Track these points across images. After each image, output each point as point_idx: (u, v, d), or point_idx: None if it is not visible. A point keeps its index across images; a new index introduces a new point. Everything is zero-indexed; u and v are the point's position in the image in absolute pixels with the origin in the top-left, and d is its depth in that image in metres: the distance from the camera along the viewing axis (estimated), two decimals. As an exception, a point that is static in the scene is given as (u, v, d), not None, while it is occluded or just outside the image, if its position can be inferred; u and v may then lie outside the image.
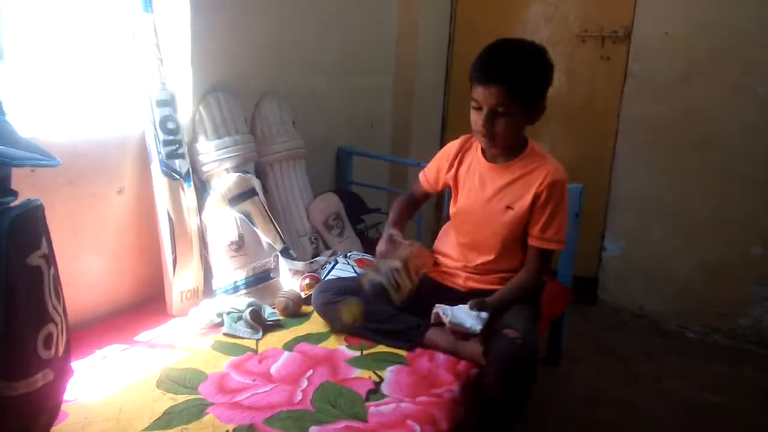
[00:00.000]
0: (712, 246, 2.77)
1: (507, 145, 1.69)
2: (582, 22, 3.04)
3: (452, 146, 1.83)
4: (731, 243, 2.73)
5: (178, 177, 1.85)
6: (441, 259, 1.86)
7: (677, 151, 2.81)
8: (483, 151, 1.76)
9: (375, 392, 1.48)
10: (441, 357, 1.65)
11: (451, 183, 1.82)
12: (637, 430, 2.10)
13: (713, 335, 2.80)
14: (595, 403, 2.22)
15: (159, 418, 1.33)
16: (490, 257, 1.74)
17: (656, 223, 2.90)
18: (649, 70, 2.83)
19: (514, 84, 1.56)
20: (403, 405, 1.43)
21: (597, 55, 3.03)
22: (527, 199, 1.67)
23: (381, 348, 1.69)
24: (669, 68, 2.79)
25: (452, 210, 1.83)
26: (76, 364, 1.48)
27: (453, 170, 1.80)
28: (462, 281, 1.78)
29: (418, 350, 1.67)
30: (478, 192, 1.75)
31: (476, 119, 1.63)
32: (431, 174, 1.88)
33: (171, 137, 1.85)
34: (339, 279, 1.93)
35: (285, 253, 2.06)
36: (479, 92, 1.59)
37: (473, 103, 1.63)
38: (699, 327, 2.83)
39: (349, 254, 2.21)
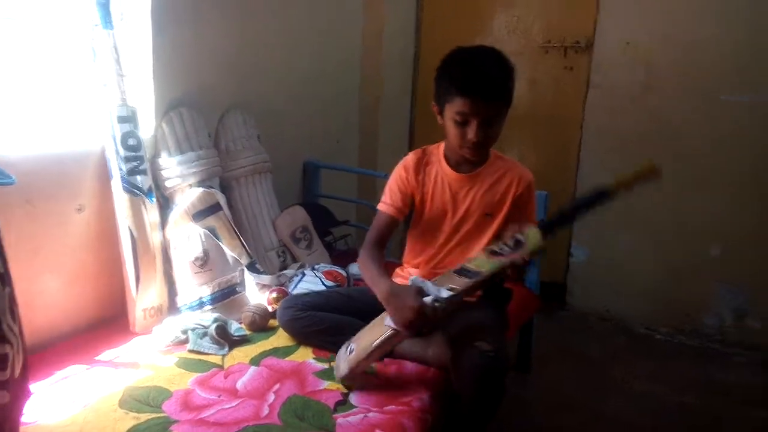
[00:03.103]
0: (675, 249, 2.83)
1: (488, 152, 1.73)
2: (545, 33, 3.09)
3: (408, 163, 1.79)
4: (692, 245, 2.79)
5: (139, 193, 1.83)
6: (413, 271, 1.85)
7: (639, 159, 2.82)
8: (446, 160, 1.75)
9: (343, 404, 1.47)
10: (409, 366, 1.65)
11: (417, 198, 1.78)
12: (607, 434, 2.12)
13: (679, 336, 2.84)
14: (565, 408, 2.23)
15: (121, 437, 1.30)
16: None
17: (621, 228, 2.94)
18: (611, 80, 2.89)
19: (507, 96, 1.62)
20: (371, 415, 1.42)
21: (560, 66, 3.08)
22: (506, 203, 1.72)
23: (349, 359, 1.68)
24: (630, 78, 2.84)
25: (421, 223, 1.80)
26: (36, 386, 1.45)
27: (419, 185, 1.77)
28: None
29: (387, 360, 1.66)
30: (450, 204, 1.74)
31: (464, 132, 1.61)
32: (396, 198, 1.79)
33: (132, 153, 1.83)
34: (304, 294, 1.92)
35: (251, 267, 2.04)
36: (473, 106, 1.56)
37: (457, 117, 1.59)
38: (665, 328, 2.88)
39: (316, 267, 2.20)
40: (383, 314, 1.56)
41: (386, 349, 1.56)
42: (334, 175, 2.84)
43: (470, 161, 1.72)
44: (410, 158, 1.80)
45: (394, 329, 1.49)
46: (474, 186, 1.73)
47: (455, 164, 1.75)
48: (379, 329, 1.54)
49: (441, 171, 1.76)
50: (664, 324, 2.88)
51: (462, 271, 1.54)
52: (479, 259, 1.55)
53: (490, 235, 1.72)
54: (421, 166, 1.78)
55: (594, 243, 3.01)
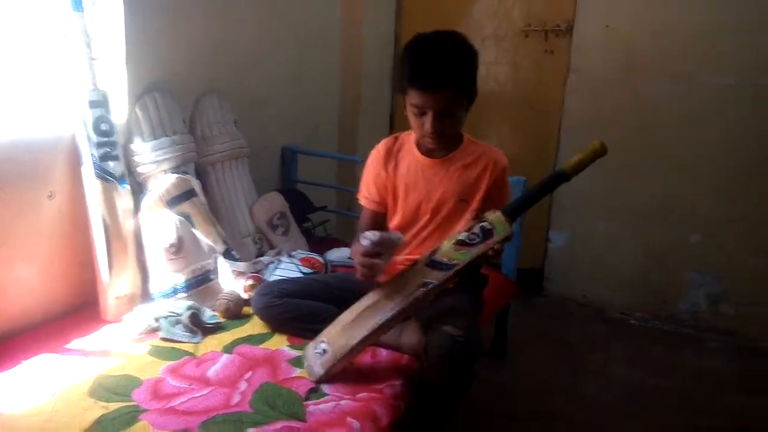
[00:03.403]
0: (653, 235, 2.85)
1: (453, 140, 1.71)
2: (525, 16, 3.08)
3: (378, 153, 1.79)
4: (671, 231, 2.80)
5: (112, 179, 1.80)
6: None
7: (619, 143, 2.82)
8: (418, 147, 1.74)
9: (315, 391, 1.47)
10: (383, 353, 1.66)
11: (389, 186, 1.77)
12: (585, 418, 2.13)
13: (654, 321, 2.87)
14: (543, 393, 2.26)
15: (89, 427, 1.29)
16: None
17: (600, 214, 2.95)
18: (591, 64, 2.88)
19: (458, 84, 1.57)
20: (343, 402, 1.43)
21: (541, 50, 3.07)
22: (482, 188, 1.70)
23: (323, 346, 1.68)
24: (610, 62, 2.83)
25: (398, 210, 1.78)
26: (4, 375, 1.44)
27: (391, 174, 1.76)
28: None
29: (364, 350, 1.66)
30: (424, 190, 1.74)
31: (422, 123, 1.61)
32: (372, 192, 1.80)
33: (105, 139, 1.81)
34: (280, 281, 1.90)
35: (227, 254, 2.03)
36: (423, 98, 1.56)
37: (414, 110, 1.60)
38: (641, 313, 2.91)
39: (293, 253, 2.20)
40: (355, 309, 1.56)
41: (362, 348, 1.56)
42: (313, 161, 2.83)
43: (440, 148, 1.71)
44: (381, 147, 1.80)
45: (374, 324, 1.50)
46: (447, 171, 1.72)
47: (427, 150, 1.73)
48: (356, 327, 1.53)
49: (413, 157, 1.75)
50: (640, 309, 2.91)
51: (435, 264, 1.54)
52: (447, 250, 1.54)
53: (466, 220, 1.70)
54: (392, 154, 1.77)
55: (572, 229, 3.03)
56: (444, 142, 1.68)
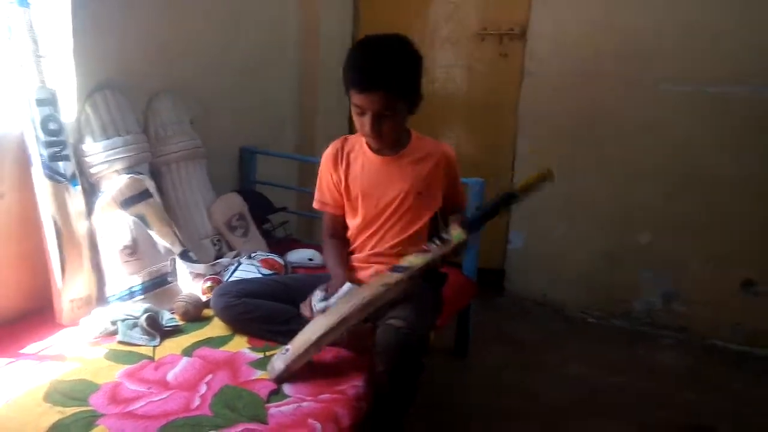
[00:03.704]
0: (608, 235, 2.90)
1: (395, 139, 1.75)
2: (481, 20, 3.10)
3: (327, 156, 1.83)
4: (624, 231, 2.86)
5: (62, 180, 1.75)
6: (355, 257, 1.84)
7: (574, 146, 2.91)
8: (369, 146, 1.78)
9: (276, 393, 1.46)
10: (346, 352, 1.64)
11: (342, 186, 1.80)
12: (542, 416, 2.15)
13: (611, 319, 2.93)
14: (502, 391, 2.27)
15: (44, 432, 1.25)
16: (401, 240, 1.77)
17: (557, 215, 2.99)
18: (544, 68, 2.92)
19: (395, 87, 1.61)
20: (304, 404, 1.41)
21: (496, 53, 3.10)
22: (436, 180, 1.77)
23: (285, 347, 1.66)
24: (563, 65, 2.88)
25: (356, 210, 1.80)
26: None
27: (342, 176, 1.79)
28: (372, 272, 1.76)
29: (324, 347, 1.65)
30: (379, 188, 1.77)
31: (362, 123, 1.66)
32: (326, 195, 1.85)
33: (53, 138, 1.76)
34: (239, 281, 1.89)
35: (184, 255, 1.99)
36: (361, 99, 1.61)
37: (355, 109, 1.65)
38: (598, 312, 2.96)
39: (253, 255, 2.17)
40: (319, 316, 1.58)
41: (322, 345, 1.55)
42: (273, 162, 2.80)
43: (382, 147, 1.75)
44: (329, 151, 1.84)
45: (333, 321, 1.53)
46: (401, 167, 1.77)
47: (377, 149, 1.77)
48: (316, 326, 1.54)
49: (366, 157, 1.79)
50: (598, 308, 2.96)
51: (395, 269, 1.62)
52: (410, 258, 1.64)
53: (424, 213, 1.77)
54: (341, 156, 1.81)
55: (531, 230, 3.06)
56: (386, 142, 1.72)
